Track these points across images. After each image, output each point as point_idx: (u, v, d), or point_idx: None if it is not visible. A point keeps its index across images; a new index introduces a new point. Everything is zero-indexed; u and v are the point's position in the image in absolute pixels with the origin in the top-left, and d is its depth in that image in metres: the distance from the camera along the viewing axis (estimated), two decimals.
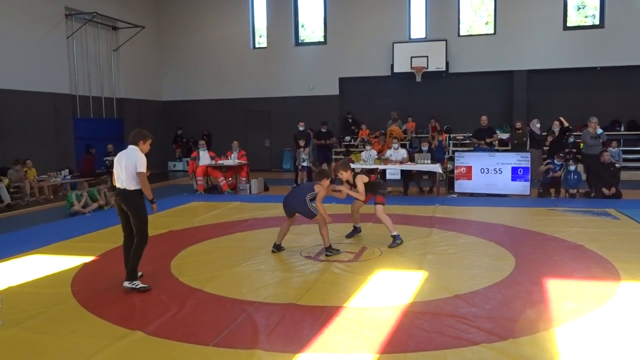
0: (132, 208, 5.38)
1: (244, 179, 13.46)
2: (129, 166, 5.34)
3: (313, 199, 6.68)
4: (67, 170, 14.10)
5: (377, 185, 7.29)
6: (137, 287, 5.33)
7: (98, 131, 16.55)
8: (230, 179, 13.46)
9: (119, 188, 5.43)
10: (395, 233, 7.07)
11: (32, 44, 14.29)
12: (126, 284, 5.37)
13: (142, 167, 5.36)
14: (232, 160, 13.55)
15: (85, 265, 6.47)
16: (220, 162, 13.49)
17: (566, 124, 13.27)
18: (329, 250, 6.66)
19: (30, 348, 4.09)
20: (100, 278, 5.95)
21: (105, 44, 17.58)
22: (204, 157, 13.43)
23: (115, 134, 17.34)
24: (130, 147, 5.50)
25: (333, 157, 16.02)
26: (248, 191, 13.23)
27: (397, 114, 16.84)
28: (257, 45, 19.83)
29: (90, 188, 11.09)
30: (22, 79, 13.97)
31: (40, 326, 4.52)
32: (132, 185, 5.36)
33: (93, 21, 16.52)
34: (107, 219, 9.68)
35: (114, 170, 5.49)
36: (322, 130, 14.93)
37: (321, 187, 6.75)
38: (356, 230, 7.75)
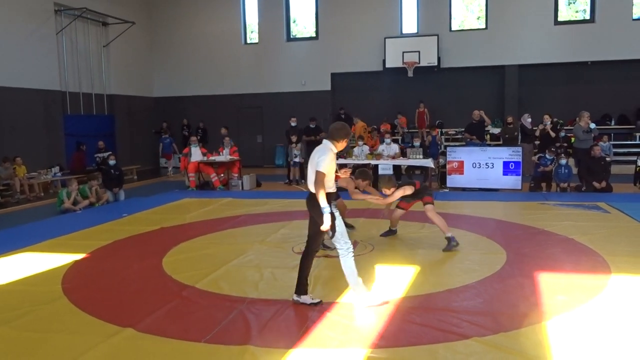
0: (316, 213, 4.64)
1: (236, 175, 13.43)
2: (313, 164, 4.64)
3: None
4: (57, 168, 14.01)
5: (423, 190, 7.03)
6: (306, 302, 4.74)
7: (89, 128, 16.42)
8: (222, 175, 13.42)
9: (309, 191, 4.78)
10: (449, 235, 6.57)
11: (20, 40, 14.14)
12: (295, 297, 4.80)
13: (324, 165, 4.51)
14: (224, 156, 13.51)
15: (76, 262, 6.43)
16: (212, 158, 13.45)
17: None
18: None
19: (21, 346, 4.07)
20: (91, 276, 5.91)
21: (95, 40, 17.44)
22: (196, 153, 13.39)
23: (106, 130, 17.23)
24: (325, 141, 4.72)
25: None
26: (240, 187, 13.20)
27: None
28: (248, 41, 19.75)
29: (82, 185, 11.02)
30: (11, 76, 13.83)
31: (30, 324, 4.49)
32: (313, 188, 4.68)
33: (83, 17, 16.37)
34: (98, 216, 9.64)
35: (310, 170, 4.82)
36: (311, 126, 14.89)
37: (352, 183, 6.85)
38: (391, 232, 7.49)
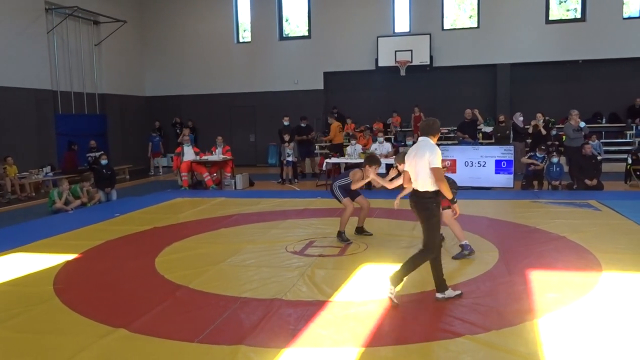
0: (423, 214, 4.66)
1: (229, 174, 13.41)
2: (420, 162, 4.62)
3: (342, 186, 7.15)
4: (49, 167, 13.93)
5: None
6: (451, 296, 4.75)
7: (80, 127, 16.33)
8: (215, 174, 13.39)
9: (413, 189, 4.76)
10: (464, 242, 6.21)
11: (11, 39, 14.03)
12: (438, 295, 4.79)
13: (438, 161, 4.57)
14: (217, 155, 13.48)
15: (68, 263, 6.39)
16: (204, 157, 13.41)
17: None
18: (340, 236, 7.04)
19: (12, 347, 4.04)
20: (83, 276, 5.89)
21: (87, 39, 17.33)
22: (189, 153, 13.35)
23: (98, 129, 17.13)
24: (422, 139, 4.77)
25: (316, 151, 16.02)
26: (233, 187, 13.18)
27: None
28: (241, 40, 19.70)
29: (73, 185, 10.97)
30: (1, 75, 13.71)
31: (22, 325, 4.46)
32: (426, 186, 4.62)
33: (74, 15, 16.27)
34: (90, 216, 9.59)
35: (407, 170, 4.83)
36: (302, 125, 14.86)
37: (362, 173, 6.99)
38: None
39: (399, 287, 4.75)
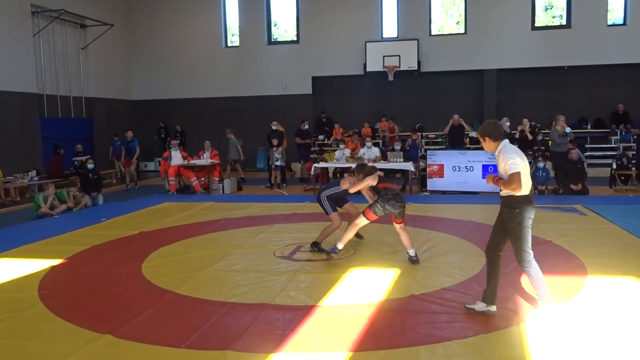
0: (510, 224, 4.37)
1: (217, 178, 13.36)
2: (501, 166, 4.33)
3: (330, 196, 6.79)
4: (34, 172, 13.75)
5: (390, 196, 6.13)
6: (482, 310, 4.52)
7: (66, 131, 16.17)
8: (202, 179, 13.33)
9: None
10: (340, 246, 6.20)
11: None
12: (478, 305, 4.56)
13: (514, 165, 4.21)
14: (205, 160, 13.43)
15: (53, 268, 6.33)
16: (192, 162, 13.35)
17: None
18: (315, 246, 6.76)
19: None
20: (69, 281, 5.83)
21: (74, 42, 17.20)
22: (176, 157, 13.27)
23: (85, 134, 16.98)
24: (502, 143, 4.40)
25: (311, 155, 15.99)
26: (221, 191, 13.13)
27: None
28: (229, 44, 19.68)
29: (59, 189, 10.85)
30: None
31: (6, 331, 4.40)
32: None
33: (60, 19, 16.14)
34: (76, 221, 9.50)
35: (525, 172, 4.37)
36: (304, 127, 14.70)
37: (354, 182, 6.60)
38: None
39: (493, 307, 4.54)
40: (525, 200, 4.32)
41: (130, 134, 14.91)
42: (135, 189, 14.64)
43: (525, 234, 4.34)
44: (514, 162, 4.21)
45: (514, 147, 4.46)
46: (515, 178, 4.18)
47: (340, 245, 6.18)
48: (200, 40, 19.31)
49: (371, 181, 6.28)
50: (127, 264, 6.38)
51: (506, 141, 4.42)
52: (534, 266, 4.42)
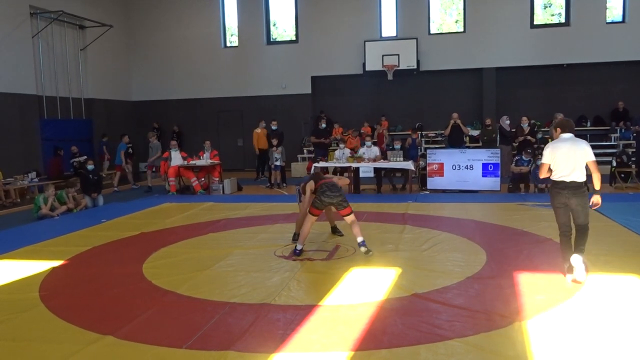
0: (583, 202, 5.44)
1: (217, 179, 13.36)
2: (579, 155, 5.40)
3: (303, 189, 6.97)
4: (34, 173, 13.75)
5: (328, 189, 6.52)
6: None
7: (66, 132, 16.17)
8: (202, 179, 13.34)
9: (573, 181, 5.41)
10: (300, 247, 6.50)
11: None
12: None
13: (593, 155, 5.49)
14: (205, 160, 13.43)
15: (54, 269, 6.32)
16: (192, 162, 13.35)
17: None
18: (295, 237, 6.95)
19: None
20: (70, 282, 5.82)
21: (72, 44, 17.19)
22: (176, 158, 13.27)
23: (84, 135, 16.98)
24: (570, 136, 5.55)
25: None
26: (221, 191, 13.13)
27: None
28: (228, 44, 19.67)
29: (59, 190, 10.85)
30: None
31: (7, 333, 4.40)
32: (583, 177, 5.44)
33: (59, 20, 16.14)
34: (76, 222, 9.50)
35: (560, 161, 5.40)
36: (321, 126, 14.48)
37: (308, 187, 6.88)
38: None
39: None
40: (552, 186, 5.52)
41: (126, 139, 14.92)
42: (135, 188, 14.71)
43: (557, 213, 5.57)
44: (544, 155, 5.54)
45: (553, 142, 5.58)
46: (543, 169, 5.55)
47: (299, 246, 6.47)
48: (199, 41, 19.31)
49: (310, 188, 6.69)
50: (128, 265, 6.38)
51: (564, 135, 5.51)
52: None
